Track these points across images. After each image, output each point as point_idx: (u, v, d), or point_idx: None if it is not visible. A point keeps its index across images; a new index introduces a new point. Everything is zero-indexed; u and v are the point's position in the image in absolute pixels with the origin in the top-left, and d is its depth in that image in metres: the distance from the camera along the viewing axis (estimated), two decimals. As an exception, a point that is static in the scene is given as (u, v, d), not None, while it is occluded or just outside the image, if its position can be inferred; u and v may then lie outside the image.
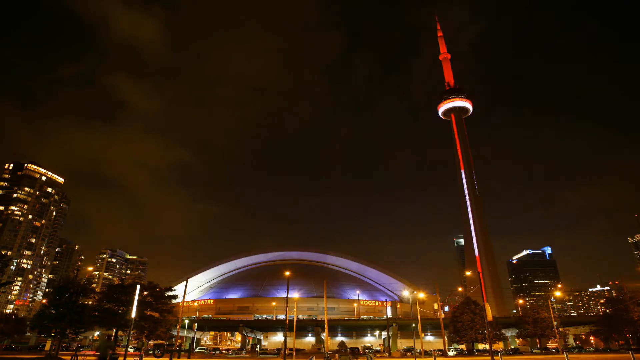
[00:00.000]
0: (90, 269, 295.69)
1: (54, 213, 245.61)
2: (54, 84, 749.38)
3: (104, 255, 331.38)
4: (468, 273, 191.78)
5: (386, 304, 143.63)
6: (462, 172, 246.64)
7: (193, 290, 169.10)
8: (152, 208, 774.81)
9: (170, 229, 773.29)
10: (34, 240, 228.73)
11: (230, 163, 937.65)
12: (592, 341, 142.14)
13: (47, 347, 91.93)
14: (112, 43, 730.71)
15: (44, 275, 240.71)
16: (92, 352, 72.65)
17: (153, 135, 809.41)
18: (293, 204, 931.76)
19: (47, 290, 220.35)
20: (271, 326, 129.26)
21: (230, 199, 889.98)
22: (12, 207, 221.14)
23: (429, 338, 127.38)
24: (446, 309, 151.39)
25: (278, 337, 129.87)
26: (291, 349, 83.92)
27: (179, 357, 71.91)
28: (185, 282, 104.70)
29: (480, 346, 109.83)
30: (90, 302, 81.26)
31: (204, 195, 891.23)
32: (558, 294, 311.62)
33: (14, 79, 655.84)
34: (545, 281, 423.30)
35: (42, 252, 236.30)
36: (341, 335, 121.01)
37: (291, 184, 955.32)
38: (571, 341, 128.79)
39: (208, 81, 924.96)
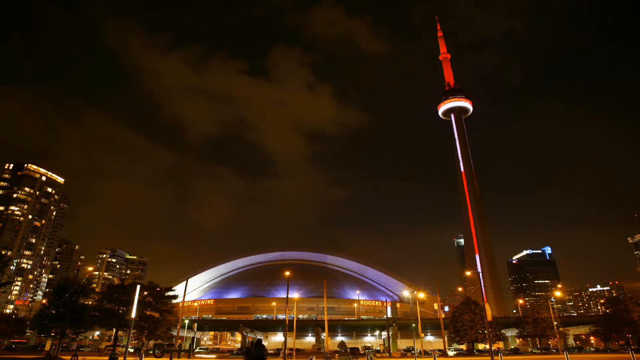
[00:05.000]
0: (90, 269, 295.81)
1: (54, 213, 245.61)
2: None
3: (104, 255, 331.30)
4: (468, 273, 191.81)
5: (386, 304, 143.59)
6: (462, 171, 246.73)
7: (193, 290, 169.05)
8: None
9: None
10: (34, 240, 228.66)
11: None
12: (592, 341, 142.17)
13: (47, 347, 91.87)
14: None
15: (44, 275, 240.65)
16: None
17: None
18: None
19: (47, 290, 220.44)
20: (271, 326, 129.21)
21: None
22: (12, 207, 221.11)
23: (429, 338, 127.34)
24: (446, 309, 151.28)
25: (278, 337, 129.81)
26: (291, 349, 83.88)
27: (179, 357, 71.89)
28: (185, 282, 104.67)
29: (480, 346, 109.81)
30: (90, 302, 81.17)
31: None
32: (558, 294, 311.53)
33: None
34: (545, 281, 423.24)
35: (42, 252, 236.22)
36: (341, 335, 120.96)
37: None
38: (571, 341, 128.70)
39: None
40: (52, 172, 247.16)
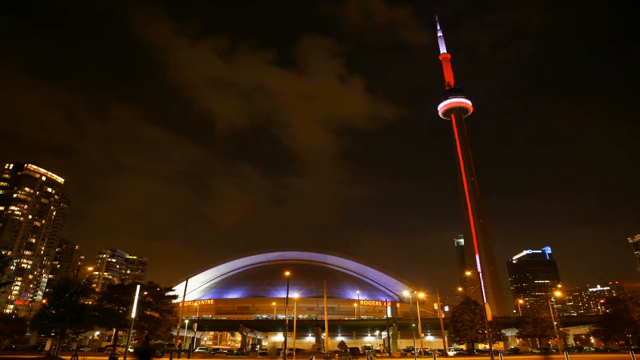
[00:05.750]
0: (90, 269, 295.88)
1: (54, 213, 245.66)
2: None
3: (104, 255, 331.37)
4: (468, 273, 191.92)
5: (386, 304, 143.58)
6: (462, 171, 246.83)
7: (193, 290, 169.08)
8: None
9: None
10: (34, 240, 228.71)
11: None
12: (592, 341, 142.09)
13: (47, 347, 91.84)
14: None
15: (44, 275, 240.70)
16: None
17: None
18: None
19: (47, 290, 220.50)
20: (271, 326, 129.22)
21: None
22: (12, 207, 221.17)
23: (429, 338, 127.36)
24: (446, 309, 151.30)
25: (278, 337, 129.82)
26: (291, 349, 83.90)
27: (179, 357, 71.91)
28: (185, 282, 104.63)
29: (480, 346, 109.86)
30: (90, 302, 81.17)
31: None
32: (558, 294, 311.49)
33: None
34: (545, 281, 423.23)
35: (42, 252, 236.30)
36: (341, 335, 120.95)
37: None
38: (571, 341, 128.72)
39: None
40: (52, 172, 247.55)
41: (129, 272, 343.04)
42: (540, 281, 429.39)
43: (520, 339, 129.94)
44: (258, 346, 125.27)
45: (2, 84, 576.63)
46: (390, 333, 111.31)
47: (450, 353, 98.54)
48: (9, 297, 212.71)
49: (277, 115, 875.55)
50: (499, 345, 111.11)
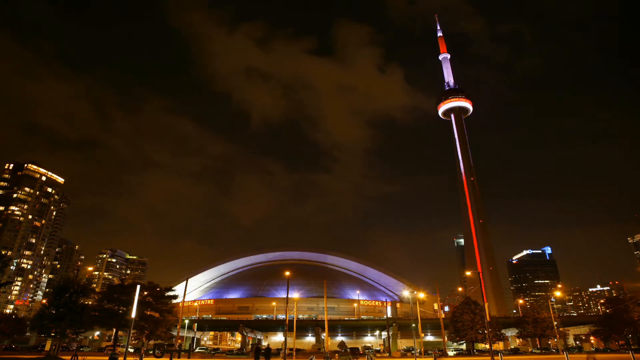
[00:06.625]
0: (90, 269, 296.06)
1: (54, 213, 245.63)
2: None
3: (104, 255, 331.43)
4: (468, 273, 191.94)
5: (386, 304, 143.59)
6: (462, 171, 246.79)
7: (193, 290, 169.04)
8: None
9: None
10: (34, 240, 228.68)
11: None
12: (592, 341, 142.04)
13: (47, 347, 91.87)
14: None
15: (44, 275, 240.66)
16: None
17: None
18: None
19: (47, 290, 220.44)
20: (271, 326, 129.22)
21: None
22: (12, 207, 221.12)
23: (429, 338, 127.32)
24: (446, 309, 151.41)
25: (278, 337, 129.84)
26: (291, 349, 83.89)
27: (179, 357, 71.87)
28: (185, 282, 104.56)
29: (480, 346, 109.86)
30: (90, 302, 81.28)
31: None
32: (558, 294, 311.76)
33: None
34: (545, 281, 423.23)
35: (42, 252, 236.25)
36: (341, 335, 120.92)
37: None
38: (571, 341, 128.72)
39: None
40: (52, 172, 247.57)
41: (129, 272, 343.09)
42: (540, 281, 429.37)
43: (520, 339, 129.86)
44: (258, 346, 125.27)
45: (31, 74, 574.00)
46: (390, 333, 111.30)
47: (450, 353, 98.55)
48: (9, 297, 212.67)
49: (311, 108, 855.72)
50: (499, 345, 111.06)
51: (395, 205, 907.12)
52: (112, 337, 78.14)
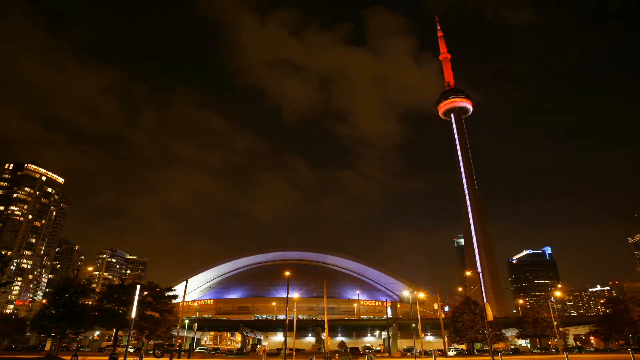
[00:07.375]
0: (90, 269, 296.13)
1: (54, 213, 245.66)
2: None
3: (104, 255, 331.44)
4: (468, 273, 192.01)
5: (386, 304, 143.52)
6: (462, 171, 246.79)
7: (193, 290, 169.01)
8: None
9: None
10: (34, 240, 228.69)
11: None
12: (592, 341, 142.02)
13: (47, 347, 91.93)
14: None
15: (44, 275, 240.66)
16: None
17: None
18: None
19: (47, 290, 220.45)
20: (271, 326, 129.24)
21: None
22: (12, 207, 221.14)
23: (429, 338, 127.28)
24: (446, 309, 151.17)
25: (278, 337, 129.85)
26: (291, 349, 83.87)
27: (179, 357, 71.88)
28: (185, 282, 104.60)
29: (481, 346, 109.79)
30: (90, 302, 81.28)
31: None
32: (558, 294, 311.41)
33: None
34: (545, 281, 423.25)
35: (42, 252, 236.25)
36: (341, 335, 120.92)
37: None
38: (571, 341, 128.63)
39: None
40: (52, 172, 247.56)
41: (129, 272, 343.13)
42: (540, 281, 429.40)
43: (521, 340, 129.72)
44: (258, 346, 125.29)
45: (59, 66, 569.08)
46: (390, 333, 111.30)
47: (450, 353, 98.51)
48: (9, 297, 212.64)
49: (340, 101, 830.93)
50: (500, 345, 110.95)
51: (407, 205, 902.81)
52: (112, 337, 78.19)
